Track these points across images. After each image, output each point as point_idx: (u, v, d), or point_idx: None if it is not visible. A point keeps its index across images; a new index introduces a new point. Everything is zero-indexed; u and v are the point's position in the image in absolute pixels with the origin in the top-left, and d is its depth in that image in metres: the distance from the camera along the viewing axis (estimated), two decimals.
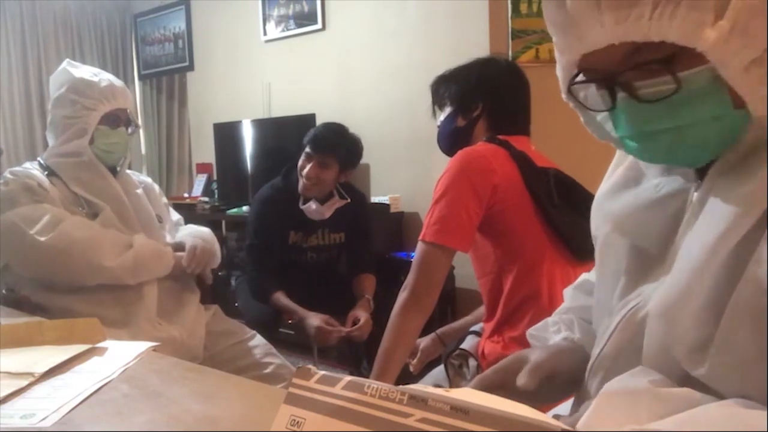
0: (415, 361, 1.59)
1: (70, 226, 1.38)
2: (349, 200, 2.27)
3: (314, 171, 2.13)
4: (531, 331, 0.81)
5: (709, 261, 0.52)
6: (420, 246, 1.28)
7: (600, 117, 0.65)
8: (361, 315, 2.11)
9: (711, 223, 0.53)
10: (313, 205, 2.20)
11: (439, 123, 1.49)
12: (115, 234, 1.44)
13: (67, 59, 1.57)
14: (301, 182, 2.17)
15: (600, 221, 0.73)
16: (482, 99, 1.41)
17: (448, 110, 1.46)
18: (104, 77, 1.52)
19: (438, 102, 1.49)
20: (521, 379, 0.66)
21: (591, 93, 0.62)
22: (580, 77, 0.59)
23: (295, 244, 2.28)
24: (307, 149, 2.16)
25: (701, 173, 0.58)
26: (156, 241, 1.53)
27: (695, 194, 0.58)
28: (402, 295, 1.29)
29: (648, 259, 0.62)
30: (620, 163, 0.75)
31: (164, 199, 1.77)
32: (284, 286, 2.19)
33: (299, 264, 2.32)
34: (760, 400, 0.48)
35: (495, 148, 1.34)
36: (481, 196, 1.27)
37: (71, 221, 1.40)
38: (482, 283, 1.40)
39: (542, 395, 0.69)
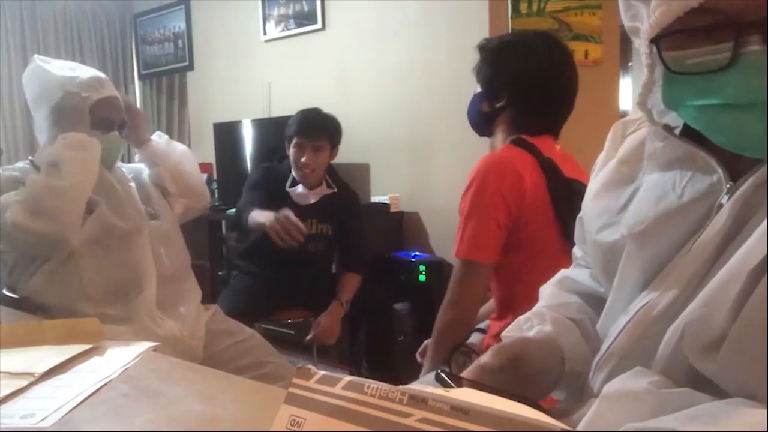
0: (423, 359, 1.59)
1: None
2: (335, 190, 2.32)
3: (311, 158, 2.19)
4: (505, 333, 0.81)
5: (742, 284, 0.49)
6: (456, 263, 1.29)
7: (664, 83, 0.57)
8: (322, 320, 2.17)
9: (752, 249, 0.50)
10: (299, 188, 2.25)
11: (474, 93, 1.45)
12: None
13: (36, 54, 1.56)
14: (300, 173, 2.22)
15: (591, 220, 0.73)
16: (507, 94, 1.37)
17: (479, 89, 1.43)
18: (84, 70, 1.52)
19: (476, 75, 1.44)
20: (484, 357, 0.66)
21: (675, 55, 0.54)
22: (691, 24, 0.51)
23: None
24: (297, 139, 2.18)
25: (732, 175, 0.55)
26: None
27: (726, 201, 0.55)
28: (448, 314, 1.30)
29: (666, 262, 0.61)
30: (610, 158, 0.75)
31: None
32: (269, 271, 2.29)
33: (286, 251, 2.30)
34: (764, 399, 0.48)
35: (521, 154, 1.31)
36: (510, 204, 1.26)
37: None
38: (493, 288, 1.40)
39: (516, 381, 0.67)
